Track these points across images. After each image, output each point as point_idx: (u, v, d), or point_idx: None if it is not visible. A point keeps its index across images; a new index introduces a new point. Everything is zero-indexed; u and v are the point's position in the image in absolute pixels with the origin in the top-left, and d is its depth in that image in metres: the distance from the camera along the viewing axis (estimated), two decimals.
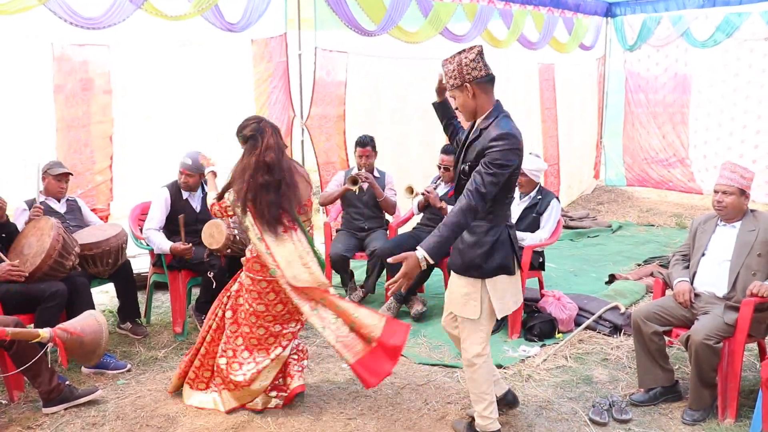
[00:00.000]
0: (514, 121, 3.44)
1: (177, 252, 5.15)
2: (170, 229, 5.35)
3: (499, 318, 3.58)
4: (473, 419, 3.73)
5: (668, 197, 11.13)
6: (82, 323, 3.73)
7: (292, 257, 3.80)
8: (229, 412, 4.03)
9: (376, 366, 3.66)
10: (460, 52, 3.41)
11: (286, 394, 4.09)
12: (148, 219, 5.31)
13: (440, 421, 3.97)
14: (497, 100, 3.48)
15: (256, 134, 3.82)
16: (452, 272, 3.59)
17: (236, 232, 5.07)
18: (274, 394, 4.10)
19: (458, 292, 3.56)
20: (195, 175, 5.33)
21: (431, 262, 3.22)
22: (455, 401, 4.20)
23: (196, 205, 5.43)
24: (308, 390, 4.34)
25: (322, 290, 3.83)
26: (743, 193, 4.10)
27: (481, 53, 3.40)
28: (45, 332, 3.58)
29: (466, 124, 3.68)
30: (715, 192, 4.18)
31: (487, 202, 3.31)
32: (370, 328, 3.72)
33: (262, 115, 4.44)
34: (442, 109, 3.95)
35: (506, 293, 3.56)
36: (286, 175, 3.81)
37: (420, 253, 3.21)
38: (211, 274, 5.12)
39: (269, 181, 3.76)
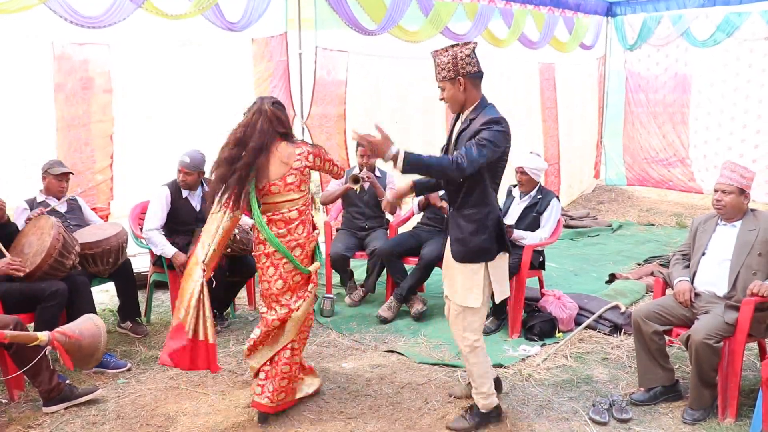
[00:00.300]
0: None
1: (176, 262, 5.15)
2: (170, 228, 5.35)
3: (498, 301, 3.76)
4: (470, 408, 3.87)
5: (668, 197, 11.13)
6: (80, 326, 3.71)
7: (207, 229, 3.90)
8: None
9: (173, 345, 3.76)
10: (454, 46, 3.52)
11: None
12: (147, 218, 5.28)
13: (441, 420, 3.97)
14: (482, 94, 3.61)
15: (245, 112, 3.89)
16: (454, 263, 3.67)
17: (236, 231, 5.07)
18: (258, 390, 3.99)
19: (461, 282, 3.65)
20: (194, 174, 5.32)
21: (399, 164, 3.28)
22: (455, 400, 4.20)
23: (196, 203, 5.43)
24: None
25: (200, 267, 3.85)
26: (743, 192, 4.09)
27: (474, 50, 3.52)
28: (43, 335, 3.56)
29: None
30: (715, 191, 4.18)
31: (473, 171, 3.38)
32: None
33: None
34: (425, 188, 4.07)
35: (505, 273, 3.75)
36: (250, 152, 3.75)
37: (396, 147, 3.30)
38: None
39: (227, 156, 3.77)
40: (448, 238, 3.74)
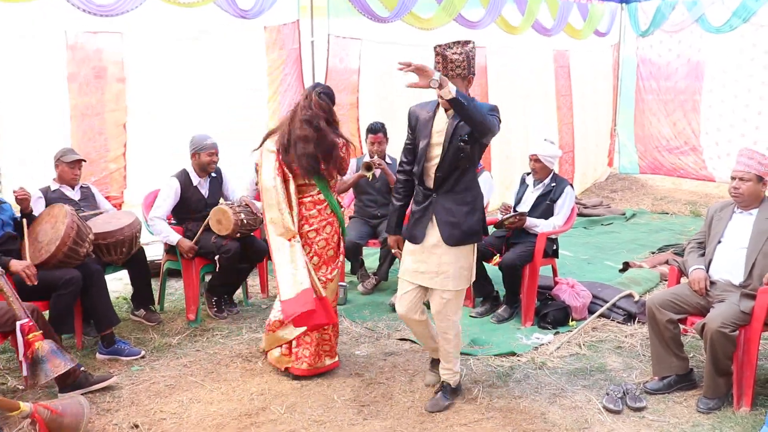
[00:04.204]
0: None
1: (181, 248, 5.19)
2: (182, 217, 5.39)
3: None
4: (442, 387, 4.04)
5: (682, 185, 11.06)
6: (64, 403, 3.63)
7: (272, 203, 4.20)
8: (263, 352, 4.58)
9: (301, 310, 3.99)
10: (463, 44, 3.60)
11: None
12: (155, 206, 5.34)
13: (453, 409, 3.97)
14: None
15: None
16: (445, 248, 3.71)
17: (242, 216, 5.12)
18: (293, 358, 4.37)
19: (456, 266, 3.74)
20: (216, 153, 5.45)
21: (448, 88, 3.30)
22: (468, 388, 4.20)
23: (205, 191, 5.47)
24: (321, 376, 4.35)
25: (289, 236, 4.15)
26: (761, 180, 4.05)
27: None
28: (25, 406, 3.47)
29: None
30: (732, 179, 4.14)
31: (494, 135, 3.64)
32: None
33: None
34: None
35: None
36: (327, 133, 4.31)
37: (440, 74, 3.34)
38: (217, 258, 5.15)
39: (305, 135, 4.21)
40: (431, 223, 3.74)
